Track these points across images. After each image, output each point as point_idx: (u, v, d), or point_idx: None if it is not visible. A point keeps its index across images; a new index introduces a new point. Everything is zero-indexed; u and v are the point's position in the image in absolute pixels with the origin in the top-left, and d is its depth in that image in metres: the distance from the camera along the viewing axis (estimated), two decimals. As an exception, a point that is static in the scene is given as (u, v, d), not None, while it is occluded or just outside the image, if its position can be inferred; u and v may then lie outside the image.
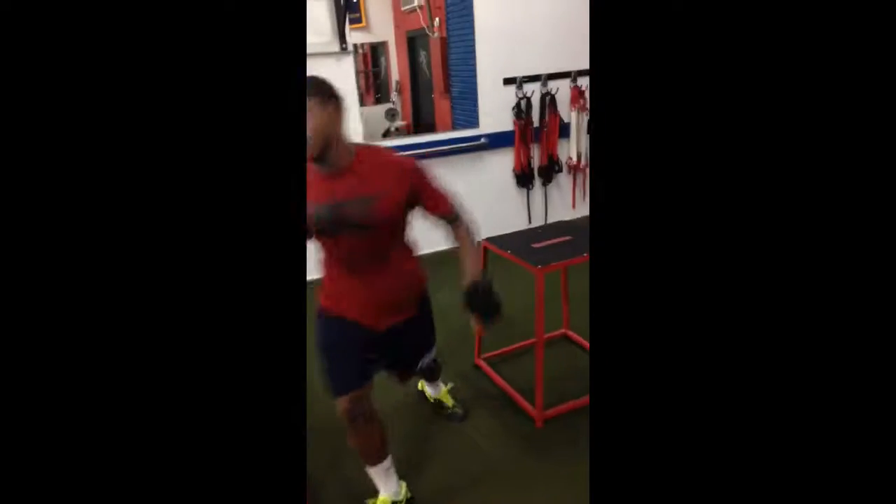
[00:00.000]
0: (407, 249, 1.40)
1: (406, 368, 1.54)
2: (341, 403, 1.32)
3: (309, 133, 1.12)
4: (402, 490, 1.50)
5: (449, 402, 1.91)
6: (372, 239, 1.27)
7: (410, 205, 1.29)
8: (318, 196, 1.21)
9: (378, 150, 1.30)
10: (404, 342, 1.44)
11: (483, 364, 2.07)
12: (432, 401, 1.93)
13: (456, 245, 1.36)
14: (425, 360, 1.54)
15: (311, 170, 1.21)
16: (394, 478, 1.48)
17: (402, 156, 1.33)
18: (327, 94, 1.16)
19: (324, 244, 1.31)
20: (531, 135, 3.53)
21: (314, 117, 1.12)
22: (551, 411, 1.78)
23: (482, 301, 1.27)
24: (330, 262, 1.34)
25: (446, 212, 1.32)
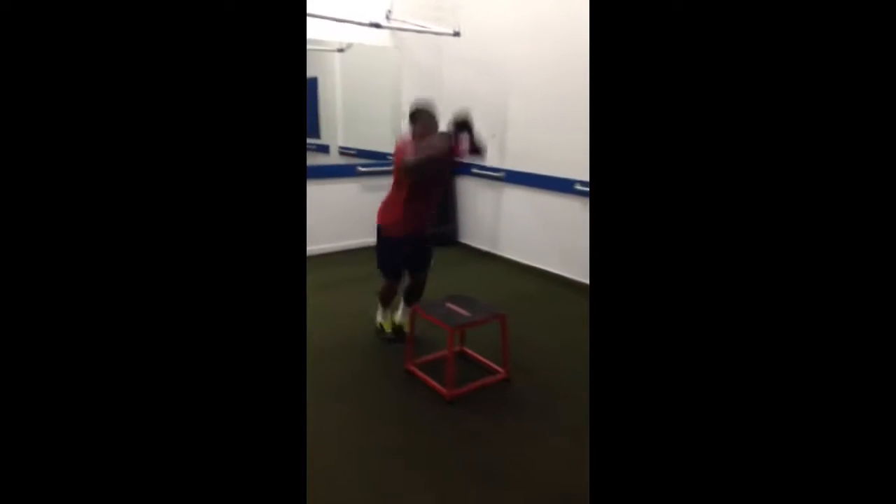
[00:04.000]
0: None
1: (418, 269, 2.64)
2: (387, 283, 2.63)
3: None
4: (392, 318, 2.76)
5: (406, 326, 2.70)
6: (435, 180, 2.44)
7: None
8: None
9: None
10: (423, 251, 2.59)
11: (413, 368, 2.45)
12: (396, 324, 2.75)
13: None
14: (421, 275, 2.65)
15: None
16: (389, 314, 2.78)
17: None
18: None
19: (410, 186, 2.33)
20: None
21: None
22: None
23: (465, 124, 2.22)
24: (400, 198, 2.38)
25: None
